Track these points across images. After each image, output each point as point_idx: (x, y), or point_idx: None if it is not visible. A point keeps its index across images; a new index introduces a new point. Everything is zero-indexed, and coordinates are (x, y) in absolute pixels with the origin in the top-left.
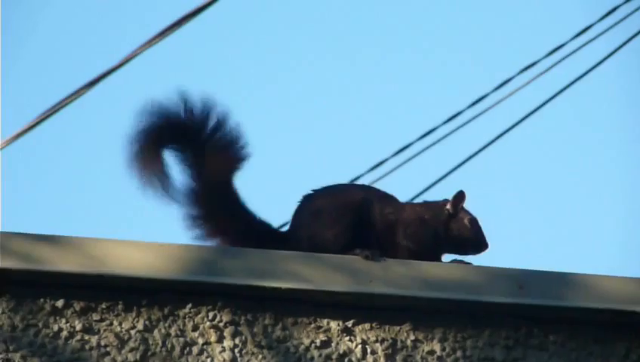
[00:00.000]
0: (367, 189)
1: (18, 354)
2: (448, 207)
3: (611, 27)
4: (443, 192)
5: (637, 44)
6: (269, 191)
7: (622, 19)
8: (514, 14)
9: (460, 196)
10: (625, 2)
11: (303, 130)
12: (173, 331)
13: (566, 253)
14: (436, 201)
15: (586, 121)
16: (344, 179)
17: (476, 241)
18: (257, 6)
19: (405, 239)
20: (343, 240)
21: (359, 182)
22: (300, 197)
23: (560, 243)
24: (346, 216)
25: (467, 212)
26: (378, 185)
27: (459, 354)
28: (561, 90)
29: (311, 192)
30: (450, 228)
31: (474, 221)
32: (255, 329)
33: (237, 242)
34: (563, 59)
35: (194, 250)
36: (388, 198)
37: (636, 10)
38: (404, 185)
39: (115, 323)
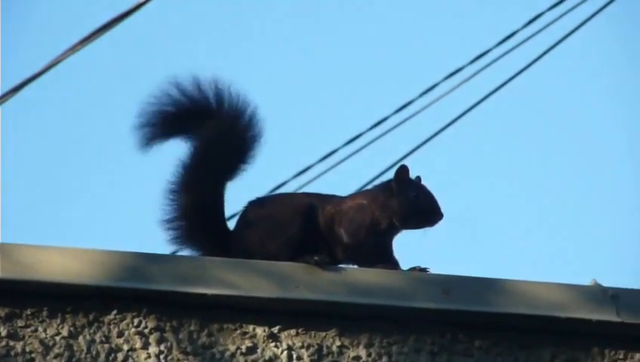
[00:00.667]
0: (312, 195)
1: None
2: (393, 184)
3: (536, 33)
4: None
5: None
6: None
7: (547, 26)
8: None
9: (400, 171)
10: (549, 9)
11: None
12: (98, 337)
13: (499, 257)
14: (382, 183)
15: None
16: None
17: (427, 214)
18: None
19: (341, 229)
20: (289, 250)
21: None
22: (244, 203)
23: (494, 248)
24: (292, 225)
25: (415, 186)
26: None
27: (384, 359)
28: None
29: (254, 199)
30: (398, 205)
31: (422, 193)
32: (180, 336)
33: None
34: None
35: (119, 255)
36: (331, 197)
37: (560, 17)
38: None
39: (40, 329)
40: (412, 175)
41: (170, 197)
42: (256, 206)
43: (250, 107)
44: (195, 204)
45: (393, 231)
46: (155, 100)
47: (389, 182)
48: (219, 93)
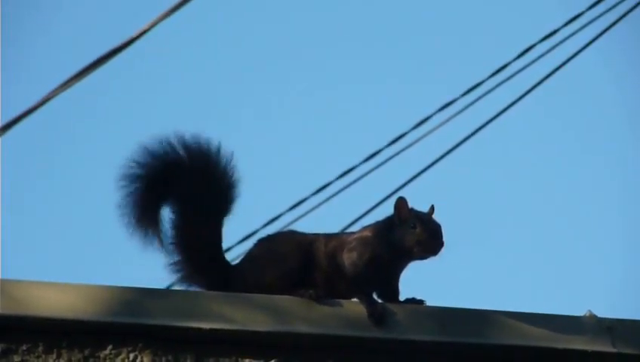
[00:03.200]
0: (319, 234)
1: None
2: (394, 216)
3: (527, 65)
4: None
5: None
6: None
7: (538, 58)
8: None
9: (399, 203)
10: (540, 41)
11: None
12: None
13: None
14: (387, 216)
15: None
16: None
17: (426, 244)
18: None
19: (342, 258)
20: (285, 283)
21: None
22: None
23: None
24: (290, 259)
25: (415, 216)
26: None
27: None
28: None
29: (263, 236)
30: (398, 237)
31: (421, 224)
32: None
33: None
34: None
35: (114, 291)
36: (334, 235)
37: (552, 49)
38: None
39: None
40: (418, 207)
41: (171, 246)
42: (262, 242)
43: (215, 145)
44: (195, 250)
45: (398, 263)
46: (127, 176)
47: (391, 215)
48: (183, 144)
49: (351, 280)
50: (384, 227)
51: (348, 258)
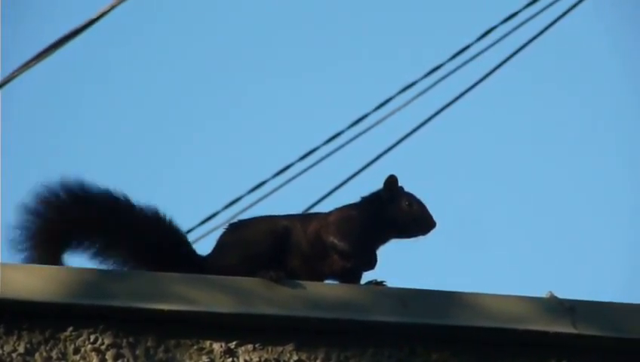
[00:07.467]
0: (292, 217)
1: None
2: (382, 194)
3: (488, 47)
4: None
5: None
6: None
7: (500, 39)
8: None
9: (389, 181)
10: (502, 23)
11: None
12: (54, 354)
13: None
14: (370, 193)
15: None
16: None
17: (420, 222)
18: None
19: (331, 237)
20: (250, 268)
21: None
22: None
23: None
24: (260, 245)
25: (407, 194)
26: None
27: None
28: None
29: (234, 222)
30: (389, 214)
31: (414, 202)
32: (137, 352)
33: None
34: (441, 79)
35: (75, 272)
36: (311, 216)
37: (513, 30)
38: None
39: None
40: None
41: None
42: (232, 228)
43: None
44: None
45: (383, 241)
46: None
47: (377, 193)
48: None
49: (346, 255)
50: (370, 205)
51: (337, 235)
